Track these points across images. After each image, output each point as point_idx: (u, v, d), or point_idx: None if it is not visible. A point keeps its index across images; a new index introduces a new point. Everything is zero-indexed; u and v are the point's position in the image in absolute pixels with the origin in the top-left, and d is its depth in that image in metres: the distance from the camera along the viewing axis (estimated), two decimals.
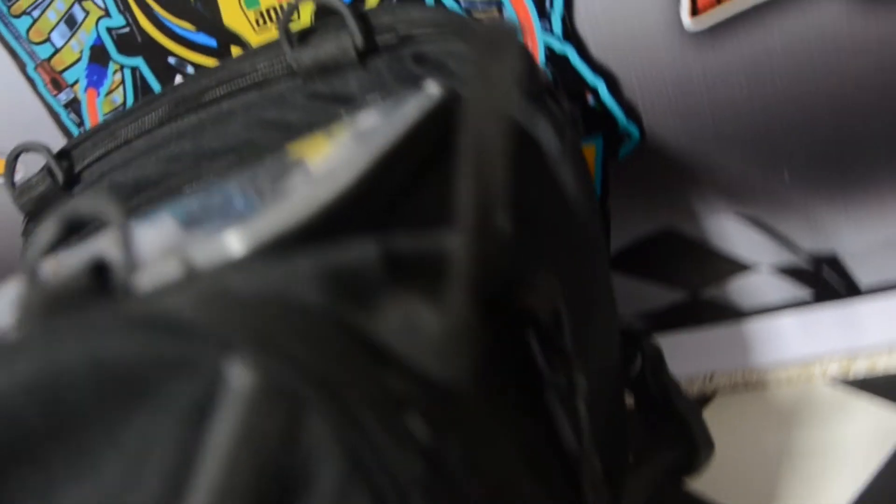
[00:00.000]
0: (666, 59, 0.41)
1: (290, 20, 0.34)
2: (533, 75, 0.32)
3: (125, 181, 0.37)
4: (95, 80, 0.46)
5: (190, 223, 0.23)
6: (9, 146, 0.48)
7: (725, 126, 0.41)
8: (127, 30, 0.44)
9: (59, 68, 0.46)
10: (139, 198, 0.36)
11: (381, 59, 0.33)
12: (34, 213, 0.39)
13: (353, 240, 0.21)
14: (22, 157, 0.49)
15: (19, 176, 0.48)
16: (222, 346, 0.17)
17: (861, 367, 0.45)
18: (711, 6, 0.39)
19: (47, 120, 0.47)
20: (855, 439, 0.43)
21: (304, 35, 0.34)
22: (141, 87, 0.45)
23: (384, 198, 0.22)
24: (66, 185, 0.38)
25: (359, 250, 0.20)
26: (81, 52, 0.45)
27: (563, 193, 0.32)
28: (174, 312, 0.18)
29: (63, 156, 0.38)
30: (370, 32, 0.33)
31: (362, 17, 0.33)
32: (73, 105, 0.47)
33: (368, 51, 0.33)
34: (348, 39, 0.33)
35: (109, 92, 0.46)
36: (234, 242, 0.21)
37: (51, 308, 0.20)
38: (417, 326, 0.19)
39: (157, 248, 0.22)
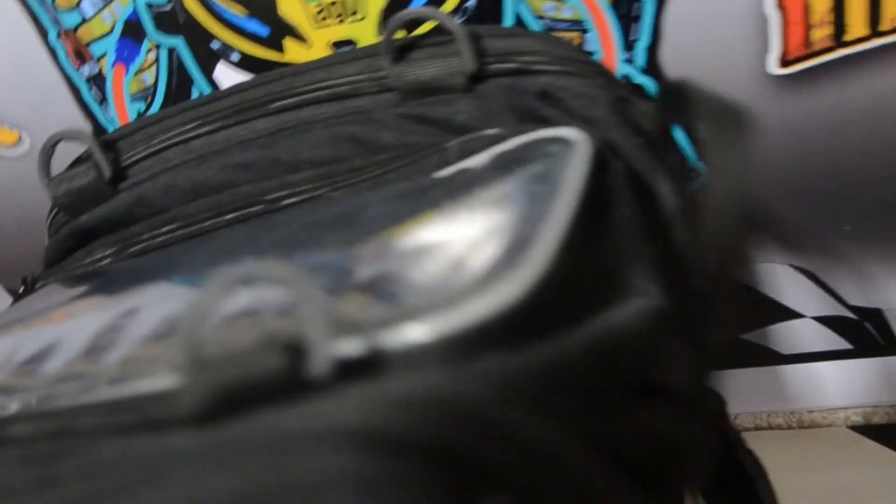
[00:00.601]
0: (746, 102, 0.40)
1: (396, 33, 0.31)
2: (661, 121, 0.30)
3: (180, 183, 0.34)
4: (126, 55, 0.42)
5: (334, 290, 0.21)
6: (22, 118, 0.43)
7: (795, 176, 0.41)
8: (168, 7, 0.41)
9: (86, 39, 0.42)
10: (196, 204, 0.33)
11: (494, 87, 0.30)
12: (69, 207, 0.35)
13: (554, 332, 0.19)
14: (24, 128, 0.45)
15: (24, 146, 0.44)
16: (476, 475, 0.15)
17: (884, 419, 0.46)
18: (802, 56, 0.38)
19: (65, 93, 0.43)
20: (876, 487, 0.44)
21: (405, 49, 0.32)
22: (177, 69, 0.42)
23: (568, 277, 0.21)
24: (113, 180, 0.34)
25: (567, 344, 0.19)
26: (114, 24, 0.41)
27: (677, 252, 0.30)
28: (404, 431, 0.16)
29: (108, 147, 0.34)
30: (483, 56, 0.31)
31: (476, 40, 0.31)
32: (97, 80, 0.43)
33: (479, 77, 0.31)
34: (458, 62, 0.30)
35: (140, 70, 0.42)
36: (420, 333, 0.18)
37: (227, 389, 0.17)
38: (668, 436, 0.17)
39: (316, 317, 0.19)
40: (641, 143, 0.29)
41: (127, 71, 0.42)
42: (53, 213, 0.36)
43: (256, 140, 0.33)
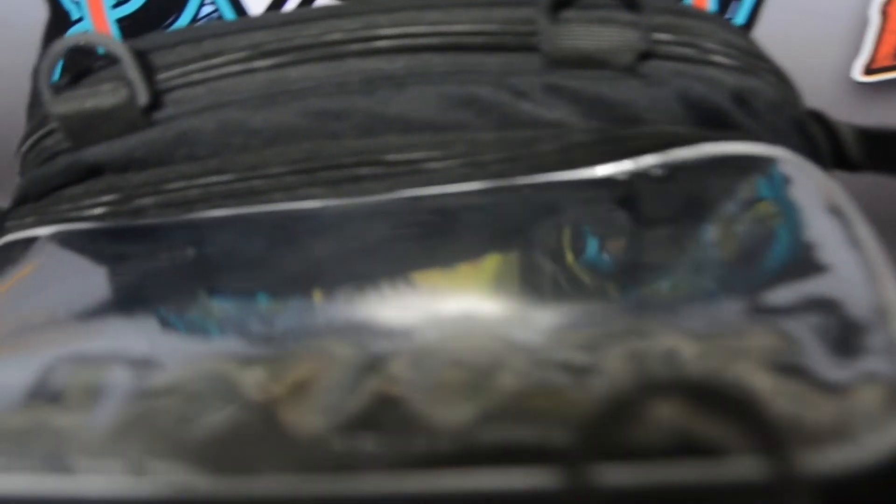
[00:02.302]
0: (822, 103, 0.38)
1: None
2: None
3: (241, 125, 0.26)
4: None
5: None
6: None
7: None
8: None
9: None
10: (262, 154, 0.26)
11: (661, 72, 0.26)
12: (78, 132, 0.26)
13: None
14: None
15: None
16: None
17: None
18: (888, 67, 0.37)
19: None
20: None
21: (562, 5, 0.26)
22: None
23: None
24: (149, 107, 0.26)
25: None
26: None
27: None
28: None
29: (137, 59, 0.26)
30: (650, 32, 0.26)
31: (637, 11, 0.26)
32: None
33: (646, 55, 0.26)
34: (631, 35, 0.25)
35: None
36: None
37: None
38: None
39: None
40: None
41: None
42: (41, 133, 0.27)
43: (349, 84, 0.26)
